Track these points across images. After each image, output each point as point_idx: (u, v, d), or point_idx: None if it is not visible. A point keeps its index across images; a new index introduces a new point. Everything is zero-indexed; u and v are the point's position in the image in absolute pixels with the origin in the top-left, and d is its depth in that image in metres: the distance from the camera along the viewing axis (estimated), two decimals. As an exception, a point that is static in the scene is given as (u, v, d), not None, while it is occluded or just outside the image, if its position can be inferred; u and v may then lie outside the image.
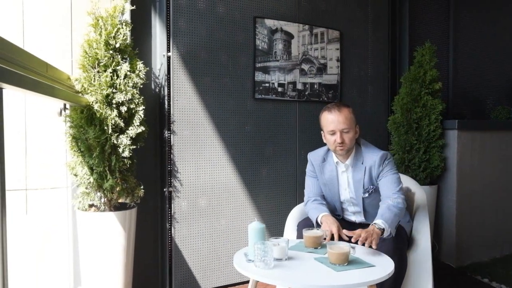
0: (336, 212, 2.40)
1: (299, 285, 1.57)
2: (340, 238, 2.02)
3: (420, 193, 2.60)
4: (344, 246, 1.76)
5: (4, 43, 1.29)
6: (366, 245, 1.85)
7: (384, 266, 1.75)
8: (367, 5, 3.55)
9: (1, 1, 2.41)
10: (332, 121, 2.18)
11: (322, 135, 2.29)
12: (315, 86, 3.24)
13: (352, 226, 2.35)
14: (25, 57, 1.49)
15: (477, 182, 3.52)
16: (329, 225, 2.08)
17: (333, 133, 2.18)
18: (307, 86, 3.20)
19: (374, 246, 1.86)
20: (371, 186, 2.24)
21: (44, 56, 1.83)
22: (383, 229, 1.97)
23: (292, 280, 1.61)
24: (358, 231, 1.91)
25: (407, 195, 2.59)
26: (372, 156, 2.23)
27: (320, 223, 2.17)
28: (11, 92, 1.57)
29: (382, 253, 1.91)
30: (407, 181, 2.67)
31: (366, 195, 2.25)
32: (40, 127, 2.51)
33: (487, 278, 3.16)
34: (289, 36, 3.11)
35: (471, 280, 3.18)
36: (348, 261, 1.74)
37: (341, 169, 2.30)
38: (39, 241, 2.51)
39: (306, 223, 2.27)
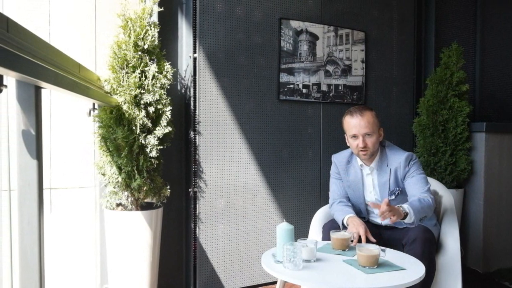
0: (361, 214, 2.38)
1: (330, 287, 1.56)
2: (368, 240, 2.00)
3: (448, 196, 2.55)
4: (374, 249, 1.74)
5: (42, 44, 1.32)
6: (382, 218, 1.86)
7: (415, 269, 1.72)
8: (392, 6, 3.52)
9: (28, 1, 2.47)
10: (354, 125, 2.16)
11: (346, 138, 2.28)
12: (340, 88, 3.22)
13: (377, 228, 2.33)
14: (61, 58, 1.52)
15: (505, 186, 3.44)
16: (356, 227, 2.06)
17: (355, 137, 2.17)
18: (331, 87, 3.18)
19: (390, 221, 1.88)
20: (397, 188, 2.22)
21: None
22: (407, 214, 1.94)
23: (322, 281, 1.60)
24: (382, 204, 1.86)
25: (434, 199, 2.56)
26: (397, 158, 2.21)
27: (346, 225, 2.16)
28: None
29: (412, 256, 1.89)
30: (434, 184, 2.63)
31: (393, 197, 2.22)
32: (67, 127, 2.56)
33: (515, 285, 3.09)
34: (314, 37, 3.10)
35: (498, 286, 3.11)
36: (378, 264, 1.72)
37: (365, 172, 2.28)
38: (67, 239, 2.55)
39: (332, 225, 2.25)
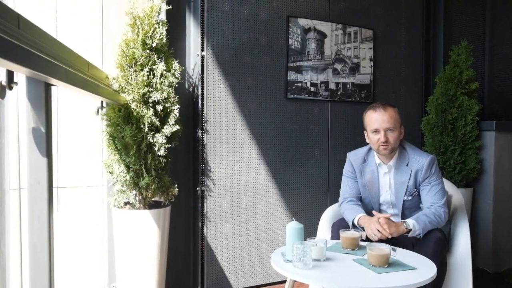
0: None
1: (340, 286, 1.54)
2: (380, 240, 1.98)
3: (458, 195, 2.53)
4: (384, 248, 1.72)
5: (52, 41, 1.31)
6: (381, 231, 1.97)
7: (427, 269, 1.70)
8: (401, 4, 3.49)
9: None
10: (376, 119, 2.14)
11: (365, 134, 2.26)
12: (348, 86, 3.20)
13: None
14: (70, 55, 1.51)
15: (515, 185, 3.41)
16: (374, 223, 2.02)
17: (376, 131, 2.15)
18: (339, 86, 3.16)
19: (385, 233, 1.96)
20: (414, 189, 2.20)
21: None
22: (410, 230, 2.01)
23: (332, 281, 1.58)
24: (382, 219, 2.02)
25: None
26: (420, 159, 2.18)
27: (357, 224, 2.14)
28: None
29: (423, 256, 1.87)
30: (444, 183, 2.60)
31: (410, 198, 2.20)
32: (74, 126, 2.56)
33: (525, 285, 3.06)
34: (322, 35, 3.08)
35: (508, 286, 3.08)
36: (389, 263, 1.70)
37: (383, 171, 2.25)
38: (75, 238, 2.55)
39: (341, 224, 2.23)
